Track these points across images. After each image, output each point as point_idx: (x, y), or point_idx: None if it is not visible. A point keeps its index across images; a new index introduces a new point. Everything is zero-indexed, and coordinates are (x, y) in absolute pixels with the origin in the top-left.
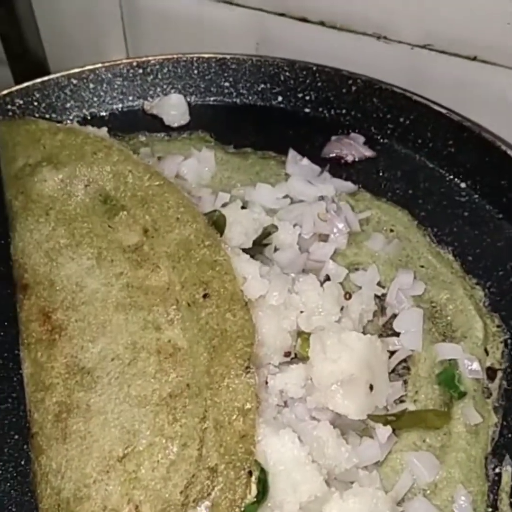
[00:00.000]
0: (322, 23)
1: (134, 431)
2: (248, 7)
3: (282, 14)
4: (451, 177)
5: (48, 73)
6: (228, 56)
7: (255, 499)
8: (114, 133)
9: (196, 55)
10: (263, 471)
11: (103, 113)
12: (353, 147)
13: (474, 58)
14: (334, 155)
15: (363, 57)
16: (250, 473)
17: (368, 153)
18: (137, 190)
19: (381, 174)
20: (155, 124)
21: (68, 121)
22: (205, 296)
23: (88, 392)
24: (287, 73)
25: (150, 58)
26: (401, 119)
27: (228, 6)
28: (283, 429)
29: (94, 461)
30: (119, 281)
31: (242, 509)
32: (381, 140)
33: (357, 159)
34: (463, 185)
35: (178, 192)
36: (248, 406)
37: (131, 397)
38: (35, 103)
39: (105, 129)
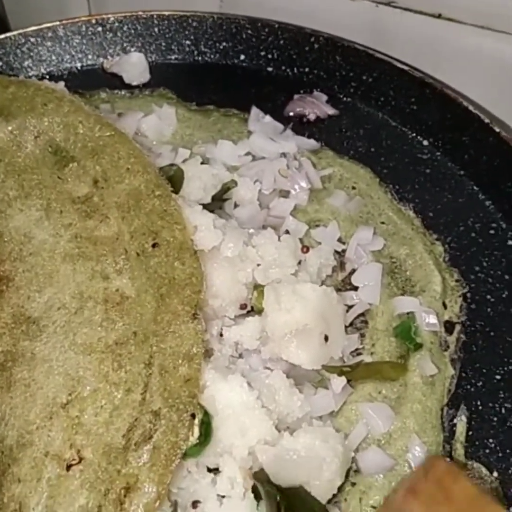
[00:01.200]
0: None
1: (78, 377)
2: None
3: None
4: (414, 134)
5: (8, 31)
6: (188, 13)
7: (197, 441)
8: (75, 90)
9: (156, 12)
10: (206, 414)
11: (62, 72)
12: (315, 105)
13: (439, 16)
14: (296, 113)
15: (328, 14)
16: (193, 416)
17: (331, 111)
18: (87, 141)
19: (343, 132)
20: (115, 82)
21: None
22: (154, 245)
23: (33, 340)
24: (249, 31)
25: (109, 15)
26: (364, 77)
27: None
28: (232, 375)
29: (38, 408)
30: (68, 232)
31: (184, 451)
32: (344, 98)
33: (320, 117)
34: (425, 142)
35: (129, 143)
36: (194, 351)
37: (76, 345)
38: None
39: (62, 83)
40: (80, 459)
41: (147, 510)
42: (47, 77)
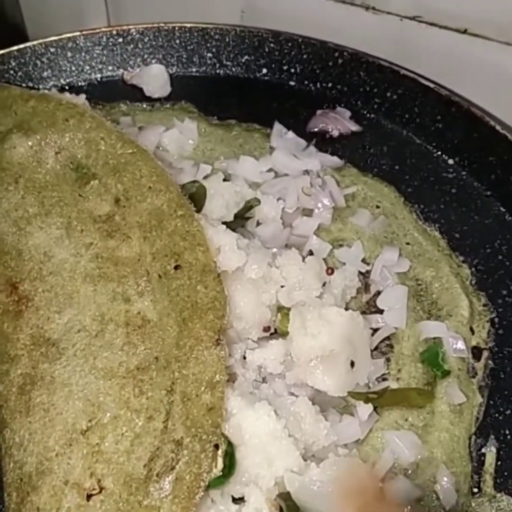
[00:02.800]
0: None
1: (98, 403)
2: None
3: None
4: (439, 153)
5: (26, 40)
6: (211, 26)
7: (221, 473)
8: (95, 102)
9: (178, 24)
10: (230, 445)
11: (81, 83)
12: (338, 122)
13: (464, 31)
14: (319, 129)
15: (351, 28)
16: (216, 447)
17: (354, 127)
18: (109, 158)
19: (367, 149)
20: (135, 94)
21: (45, 91)
22: (176, 267)
23: (53, 363)
24: (272, 45)
25: (130, 26)
26: (388, 94)
27: None
28: (258, 402)
29: (57, 434)
30: (89, 252)
31: (207, 483)
32: (368, 115)
33: (343, 134)
34: (450, 161)
35: (151, 161)
36: (217, 378)
37: (96, 369)
38: (11, 72)
39: (83, 96)
40: (101, 489)
41: None
42: (67, 88)
